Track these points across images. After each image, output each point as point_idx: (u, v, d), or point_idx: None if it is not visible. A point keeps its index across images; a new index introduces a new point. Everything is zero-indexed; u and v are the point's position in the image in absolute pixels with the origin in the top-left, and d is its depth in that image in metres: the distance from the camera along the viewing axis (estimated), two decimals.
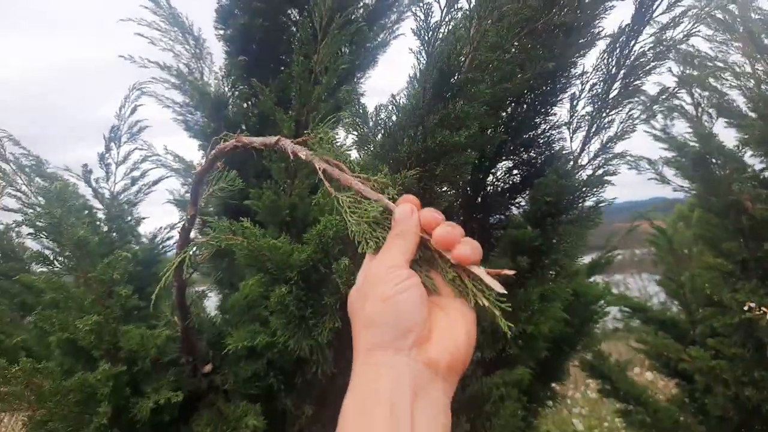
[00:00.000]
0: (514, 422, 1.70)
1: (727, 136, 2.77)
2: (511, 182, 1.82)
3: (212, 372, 1.48)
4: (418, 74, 1.33)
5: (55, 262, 1.65)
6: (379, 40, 2.19)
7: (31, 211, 1.88)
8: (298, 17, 2.14)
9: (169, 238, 2.02)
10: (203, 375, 1.47)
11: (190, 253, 1.22)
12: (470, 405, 1.62)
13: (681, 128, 2.90)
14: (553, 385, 2.32)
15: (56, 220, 1.48)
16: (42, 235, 1.64)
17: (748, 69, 2.74)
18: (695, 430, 2.72)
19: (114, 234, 1.83)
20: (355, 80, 2.16)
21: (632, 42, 1.52)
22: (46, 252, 1.75)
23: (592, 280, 2.52)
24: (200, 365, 1.46)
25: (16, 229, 2.21)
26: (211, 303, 1.93)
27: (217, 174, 1.25)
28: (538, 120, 1.73)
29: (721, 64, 2.79)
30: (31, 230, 1.63)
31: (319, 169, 0.79)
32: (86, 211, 1.93)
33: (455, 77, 1.31)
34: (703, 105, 2.69)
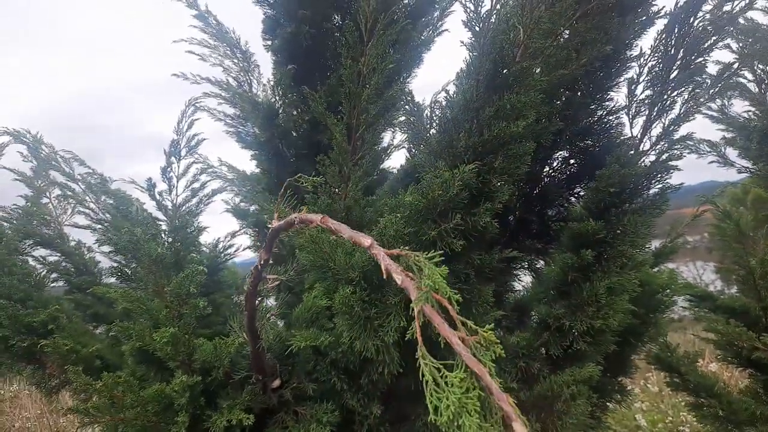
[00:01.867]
0: (585, 420, 1.66)
1: None
2: (568, 172, 1.77)
3: (281, 387, 1.50)
4: (471, 67, 1.32)
5: (132, 278, 1.73)
6: (423, 37, 2.18)
7: (99, 226, 1.97)
8: (341, 23, 2.16)
9: (230, 246, 2.07)
10: (272, 390, 1.50)
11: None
12: (540, 404, 1.59)
13: (739, 107, 2.77)
14: (620, 378, 2.25)
15: (136, 238, 1.54)
16: (122, 253, 1.73)
17: None
18: None
19: (178, 245, 1.90)
20: (402, 80, 2.16)
21: (691, 18, 1.46)
22: (119, 266, 1.84)
23: (656, 269, 2.43)
24: (269, 381, 1.48)
25: (96, 246, 2.32)
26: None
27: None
28: (593, 106, 1.68)
29: None
30: (112, 249, 1.72)
31: (418, 308, 0.69)
32: (147, 224, 2.01)
33: (509, 67, 1.29)
34: (766, 81, 2.55)
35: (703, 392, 2.73)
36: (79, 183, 2.23)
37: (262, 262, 1.20)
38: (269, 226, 1.14)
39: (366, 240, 0.80)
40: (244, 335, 1.45)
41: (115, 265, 1.67)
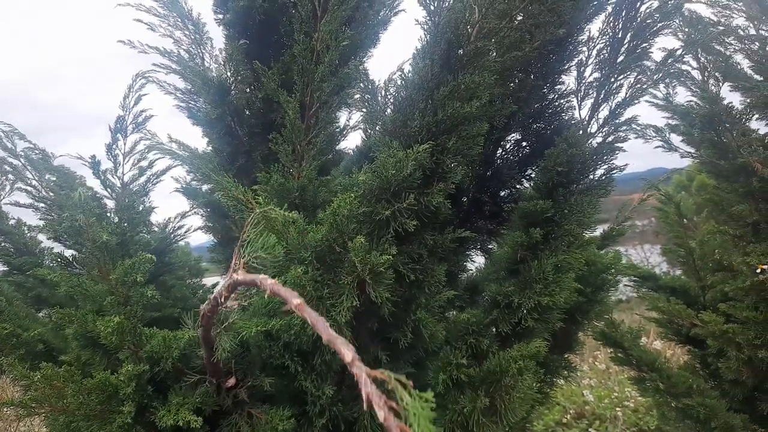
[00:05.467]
0: (532, 394, 1.71)
1: (733, 101, 2.79)
2: (520, 155, 1.80)
3: (236, 386, 1.45)
4: (425, 46, 1.31)
5: (74, 263, 1.65)
6: (380, 17, 2.16)
7: (42, 205, 1.88)
8: None
9: (180, 227, 2.01)
10: (227, 389, 1.45)
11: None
12: (488, 379, 1.63)
13: (683, 97, 2.89)
14: (567, 355, 2.33)
15: (78, 224, 1.46)
16: (62, 240, 1.64)
17: (752, 31, 2.71)
18: (709, 395, 2.74)
19: (125, 224, 1.83)
20: (357, 59, 2.14)
21: (638, 3, 1.50)
22: (63, 248, 1.75)
23: (603, 251, 2.52)
24: (223, 382, 1.44)
25: (31, 232, 2.21)
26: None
27: (255, 239, 1.23)
28: (545, 90, 1.71)
29: (723, 28, 2.76)
30: (51, 236, 1.62)
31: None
32: (95, 203, 1.93)
33: (464, 47, 1.29)
34: (709, 69, 2.66)
35: (644, 366, 2.87)
36: (21, 159, 2.11)
37: (222, 299, 1.16)
38: (234, 235, 1.08)
39: (348, 354, 0.68)
40: (197, 332, 1.40)
41: (56, 252, 1.59)
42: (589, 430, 4.58)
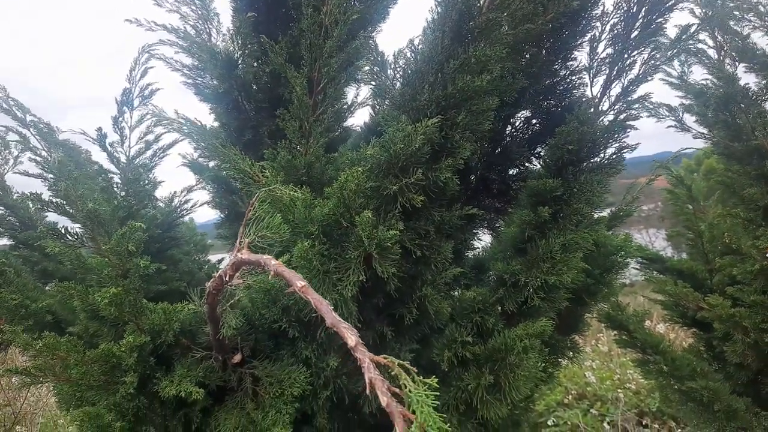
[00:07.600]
0: (537, 373, 1.71)
1: (749, 82, 2.73)
2: (530, 132, 1.78)
3: (242, 363, 1.46)
4: (436, 18, 1.29)
5: (68, 235, 1.63)
6: None
7: (51, 176, 1.88)
8: None
9: (186, 201, 2.01)
10: (233, 365, 1.45)
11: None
12: (493, 357, 1.63)
13: (698, 75, 2.83)
14: (573, 336, 2.33)
15: (62, 193, 1.44)
16: (50, 210, 1.63)
17: None
18: (713, 378, 2.74)
19: (131, 198, 1.83)
20: (366, 33, 2.10)
21: None
22: (62, 220, 1.75)
23: (611, 232, 2.50)
24: (229, 358, 1.44)
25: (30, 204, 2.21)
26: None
27: (260, 218, 1.22)
28: (557, 66, 1.68)
29: (740, 1, 2.69)
30: (37, 206, 1.61)
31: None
32: (101, 177, 1.93)
33: (475, 19, 1.26)
34: (726, 48, 2.60)
35: (649, 349, 2.86)
36: (31, 129, 2.11)
37: (227, 277, 1.16)
38: (241, 210, 1.07)
39: (351, 338, 0.68)
40: (204, 308, 1.40)
41: (49, 223, 1.58)
42: (591, 410, 4.60)
